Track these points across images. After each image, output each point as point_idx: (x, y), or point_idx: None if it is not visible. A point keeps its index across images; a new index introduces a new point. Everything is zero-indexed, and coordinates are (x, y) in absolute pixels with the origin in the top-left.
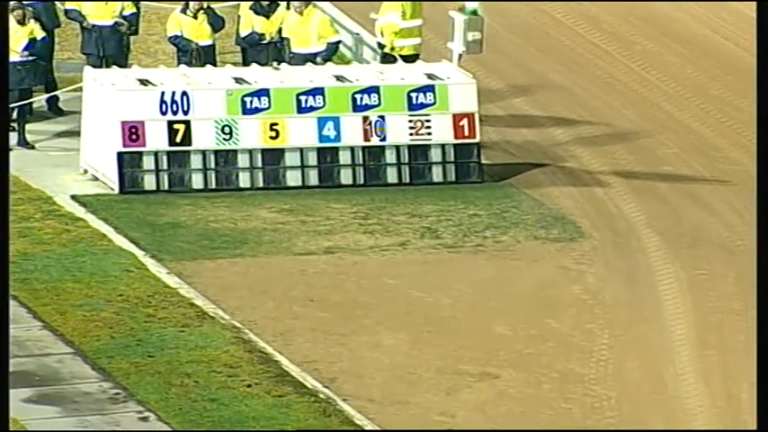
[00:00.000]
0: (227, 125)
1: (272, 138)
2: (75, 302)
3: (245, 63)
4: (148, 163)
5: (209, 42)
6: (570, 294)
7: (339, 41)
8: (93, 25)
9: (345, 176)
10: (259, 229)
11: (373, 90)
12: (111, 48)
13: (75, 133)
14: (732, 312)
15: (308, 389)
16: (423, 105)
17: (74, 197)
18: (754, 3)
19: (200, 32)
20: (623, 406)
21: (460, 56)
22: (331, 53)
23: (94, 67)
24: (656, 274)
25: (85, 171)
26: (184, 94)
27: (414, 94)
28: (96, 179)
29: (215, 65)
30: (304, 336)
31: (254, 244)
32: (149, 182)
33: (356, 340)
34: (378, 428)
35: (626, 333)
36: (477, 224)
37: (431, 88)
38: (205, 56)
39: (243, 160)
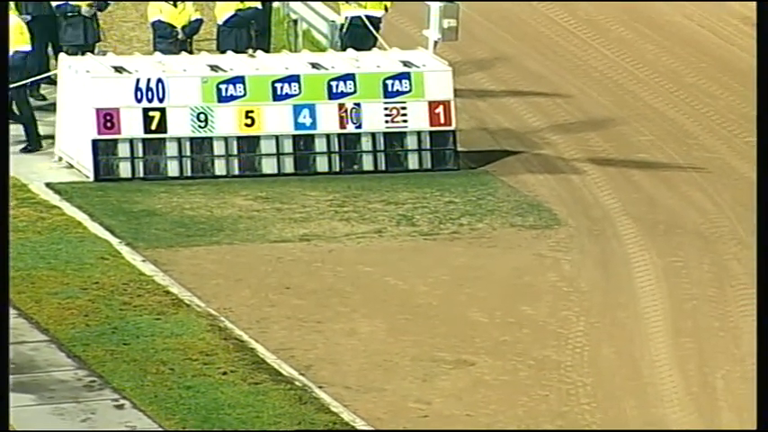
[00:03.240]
0: (202, 113)
1: (247, 125)
2: (50, 290)
3: (220, 49)
4: (123, 150)
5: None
6: (546, 281)
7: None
8: (82, 15)
9: (321, 164)
10: (234, 216)
11: (349, 77)
12: (92, 35)
13: (50, 121)
14: (707, 299)
15: (283, 376)
16: (398, 93)
17: (48, 185)
18: None
19: (180, 19)
20: (599, 392)
21: (436, 43)
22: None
23: (73, 55)
24: (631, 261)
25: (60, 158)
26: (159, 81)
27: (389, 82)
28: (71, 167)
29: (191, 51)
30: (280, 323)
31: (229, 231)
32: (124, 169)
33: (332, 328)
34: (353, 415)
35: (602, 320)
36: (453, 211)
37: (406, 76)
38: (183, 42)
39: (218, 148)
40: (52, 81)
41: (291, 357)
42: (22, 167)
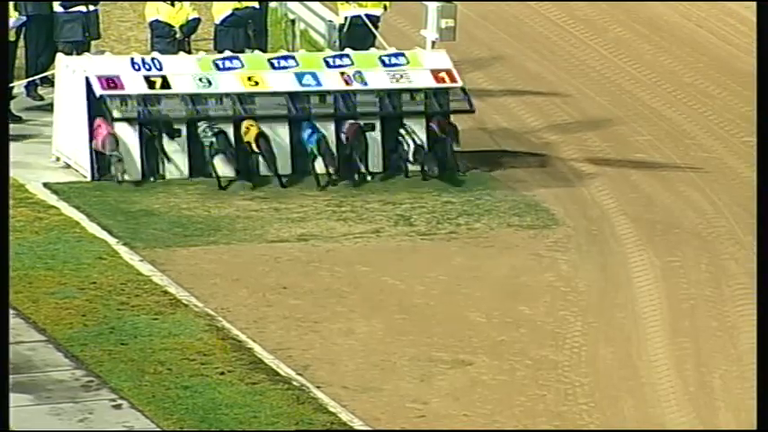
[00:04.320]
0: (204, 77)
1: (251, 86)
2: (47, 290)
3: (218, 48)
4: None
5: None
6: (543, 281)
7: None
8: (79, 11)
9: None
10: (232, 216)
11: (345, 56)
12: (92, 32)
13: (47, 121)
14: (704, 299)
15: (281, 376)
16: (396, 65)
17: (46, 185)
18: None
19: (178, 18)
20: (596, 392)
21: (434, 43)
22: None
23: (68, 54)
24: (629, 261)
25: (58, 158)
26: (155, 59)
27: (386, 58)
28: (69, 167)
29: (189, 51)
30: (277, 323)
31: (227, 231)
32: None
33: (329, 327)
34: (351, 415)
35: (599, 320)
36: (451, 211)
37: (402, 54)
38: (181, 42)
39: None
40: (50, 81)
41: (289, 357)
42: (20, 167)
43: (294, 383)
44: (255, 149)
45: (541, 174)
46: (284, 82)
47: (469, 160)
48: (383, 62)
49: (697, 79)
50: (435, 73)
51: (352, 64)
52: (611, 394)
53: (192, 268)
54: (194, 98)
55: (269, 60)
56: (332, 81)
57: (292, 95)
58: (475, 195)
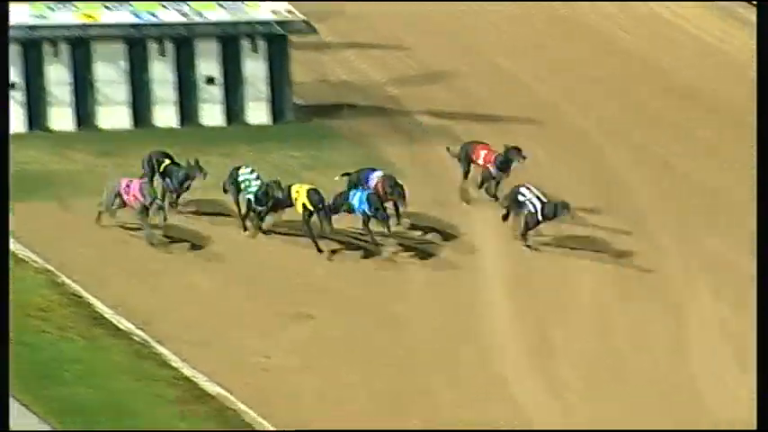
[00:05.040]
0: (39, 15)
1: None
2: None
3: None
4: None
5: None
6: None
7: None
8: None
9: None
10: (72, 171)
11: (182, 2)
12: None
13: None
14: (544, 254)
15: (122, 331)
16: (235, 8)
17: None
18: None
19: None
20: (438, 342)
21: None
22: None
23: None
24: (471, 210)
25: None
26: None
27: (224, 3)
28: None
29: None
30: (117, 277)
31: (66, 187)
32: None
33: (170, 282)
34: (194, 371)
35: (444, 272)
36: (293, 165)
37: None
38: None
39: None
40: None
41: (129, 312)
42: None
43: (135, 338)
44: (311, 207)
45: (385, 128)
46: (121, 17)
47: (312, 113)
48: (222, 6)
49: (549, 41)
50: (275, 11)
51: (190, 8)
52: (451, 346)
53: (30, 224)
54: (31, 28)
55: (104, 5)
56: (170, 16)
57: (132, 25)
58: (318, 149)
